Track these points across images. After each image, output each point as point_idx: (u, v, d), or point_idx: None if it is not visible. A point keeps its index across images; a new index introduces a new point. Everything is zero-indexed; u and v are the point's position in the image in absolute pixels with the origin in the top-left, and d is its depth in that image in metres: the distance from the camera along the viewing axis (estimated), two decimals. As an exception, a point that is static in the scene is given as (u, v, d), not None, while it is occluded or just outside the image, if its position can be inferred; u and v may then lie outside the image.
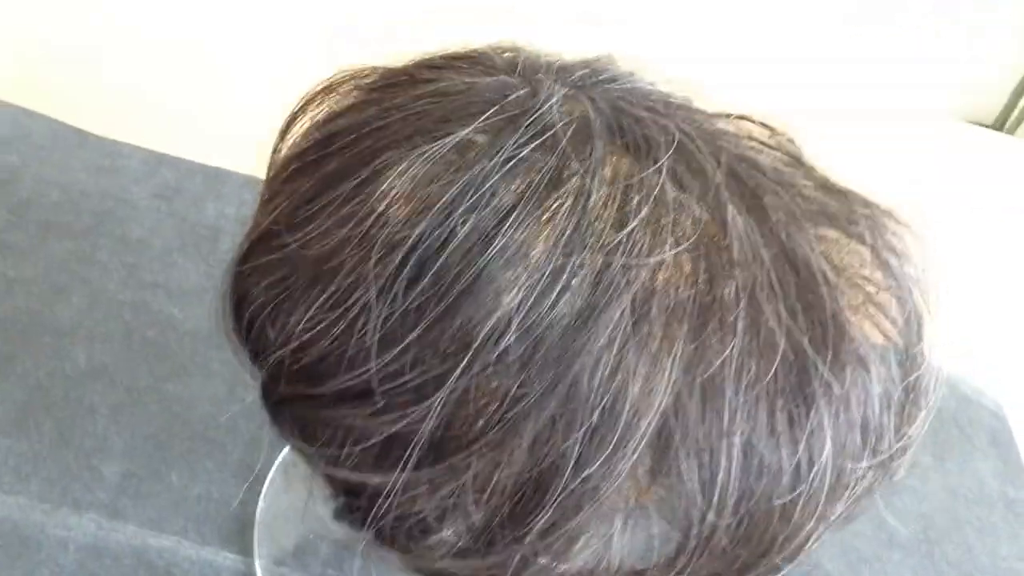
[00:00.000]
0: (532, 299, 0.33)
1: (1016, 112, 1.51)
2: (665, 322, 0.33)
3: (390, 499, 0.36)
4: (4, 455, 0.62)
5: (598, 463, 0.33)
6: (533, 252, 0.34)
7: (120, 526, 0.60)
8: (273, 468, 0.64)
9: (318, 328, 0.36)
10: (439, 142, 0.36)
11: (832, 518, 0.38)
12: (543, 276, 0.33)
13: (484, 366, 0.33)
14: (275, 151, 0.45)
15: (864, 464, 0.37)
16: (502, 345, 0.33)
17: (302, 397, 0.38)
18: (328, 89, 0.44)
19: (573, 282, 0.33)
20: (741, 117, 0.42)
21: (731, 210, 0.36)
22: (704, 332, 0.34)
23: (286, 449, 0.66)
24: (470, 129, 0.37)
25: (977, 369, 0.81)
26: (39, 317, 0.69)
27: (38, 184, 0.78)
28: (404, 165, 0.36)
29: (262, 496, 0.63)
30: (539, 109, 0.37)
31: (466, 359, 0.33)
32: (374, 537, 0.40)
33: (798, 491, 0.35)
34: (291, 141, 0.44)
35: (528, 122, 0.37)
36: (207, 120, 0.85)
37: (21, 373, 0.66)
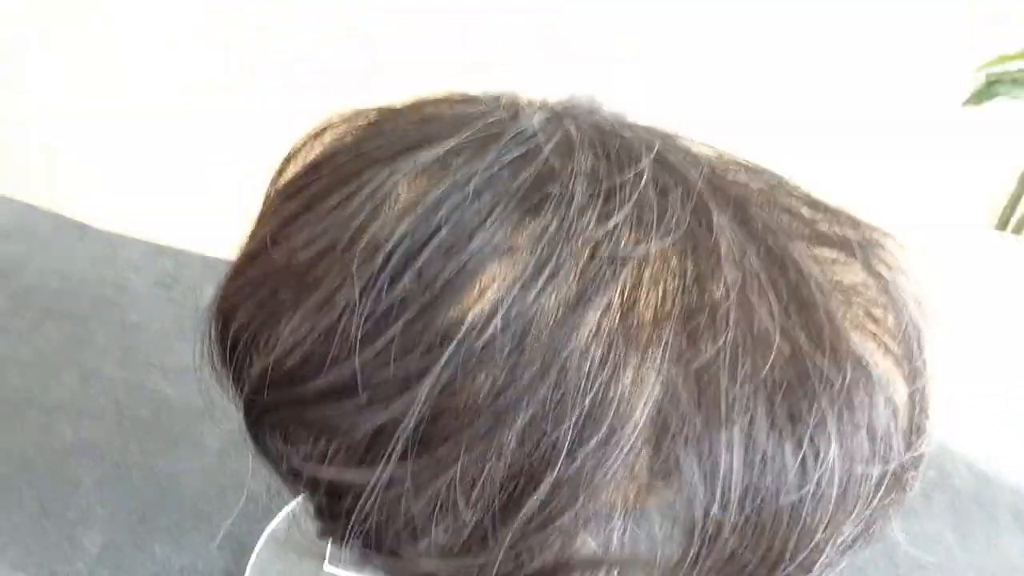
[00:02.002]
0: (517, 290, 0.33)
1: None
2: (654, 313, 0.33)
3: (375, 496, 0.35)
4: (-17, 526, 0.60)
5: (592, 451, 0.32)
6: (517, 246, 0.34)
7: (98, 599, 0.57)
8: (261, 540, 0.62)
9: (302, 333, 0.36)
10: (422, 153, 0.37)
11: (846, 533, 0.36)
12: (527, 268, 0.33)
13: (469, 356, 0.32)
14: (267, 197, 0.46)
15: (874, 470, 0.35)
16: (487, 335, 0.32)
17: (286, 401, 0.37)
18: (319, 133, 0.45)
19: (559, 273, 0.33)
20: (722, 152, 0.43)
21: (715, 213, 0.36)
22: (694, 323, 0.33)
23: (274, 521, 0.63)
24: (452, 142, 0.38)
25: (997, 442, 0.79)
26: (30, 395, 0.68)
27: (40, 273, 0.79)
28: (386, 175, 0.37)
29: (249, 568, 0.60)
30: (522, 127, 0.38)
31: (450, 349, 0.32)
32: (362, 545, 0.38)
33: (805, 490, 0.34)
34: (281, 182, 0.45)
35: (511, 136, 0.38)
36: (206, 211, 0.87)
37: (5, 447, 0.65)
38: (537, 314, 0.33)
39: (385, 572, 0.39)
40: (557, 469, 0.32)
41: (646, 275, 0.34)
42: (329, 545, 0.63)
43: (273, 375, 0.37)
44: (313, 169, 0.41)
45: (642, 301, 0.33)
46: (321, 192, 0.39)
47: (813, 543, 0.35)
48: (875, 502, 0.37)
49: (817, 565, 0.36)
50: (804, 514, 0.34)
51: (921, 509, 0.73)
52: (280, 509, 0.64)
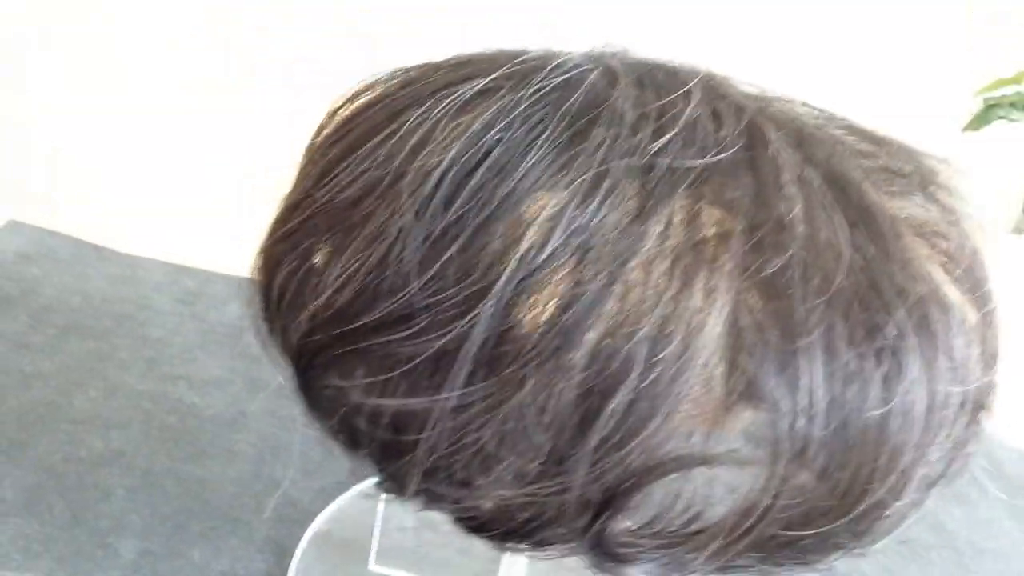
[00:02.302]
0: (575, 204, 0.32)
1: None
2: (717, 225, 0.32)
3: (442, 423, 0.33)
4: (13, 536, 0.57)
5: (666, 364, 0.30)
6: (571, 163, 0.33)
7: (135, 606, 0.55)
8: (303, 541, 0.59)
9: (354, 267, 0.34)
10: (463, 87, 0.37)
11: (932, 459, 0.35)
12: (584, 182, 0.32)
13: (531, 270, 0.31)
14: (305, 154, 0.45)
15: (955, 390, 0.34)
16: (548, 248, 0.31)
17: (341, 337, 0.36)
18: (356, 93, 0.45)
19: (616, 187, 0.32)
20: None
21: (771, 135, 0.36)
22: (759, 235, 0.32)
23: (316, 522, 0.61)
24: (493, 76, 0.37)
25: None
26: (55, 408, 0.66)
27: (59, 292, 0.77)
28: (428, 110, 0.36)
29: (292, 571, 0.58)
30: (563, 60, 0.38)
31: (511, 266, 0.31)
32: (429, 481, 0.36)
33: (891, 405, 0.32)
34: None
35: (552, 66, 0.37)
36: (208, 212, 0.86)
37: (34, 458, 0.62)
38: (598, 227, 0.31)
39: (455, 509, 0.37)
40: (631, 384, 0.30)
41: (706, 189, 0.33)
42: (375, 542, 0.60)
43: (326, 314, 0.36)
44: (352, 118, 0.40)
45: (704, 214, 0.32)
46: (362, 135, 0.38)
47: (901, 466, 0.33)
48: (957, 427, 0.36)
49: (905, 494, 0.34)
50: (891, 432, 0.33)
51: (977, 498, 0.71)
52: (321, 511, 0.62)
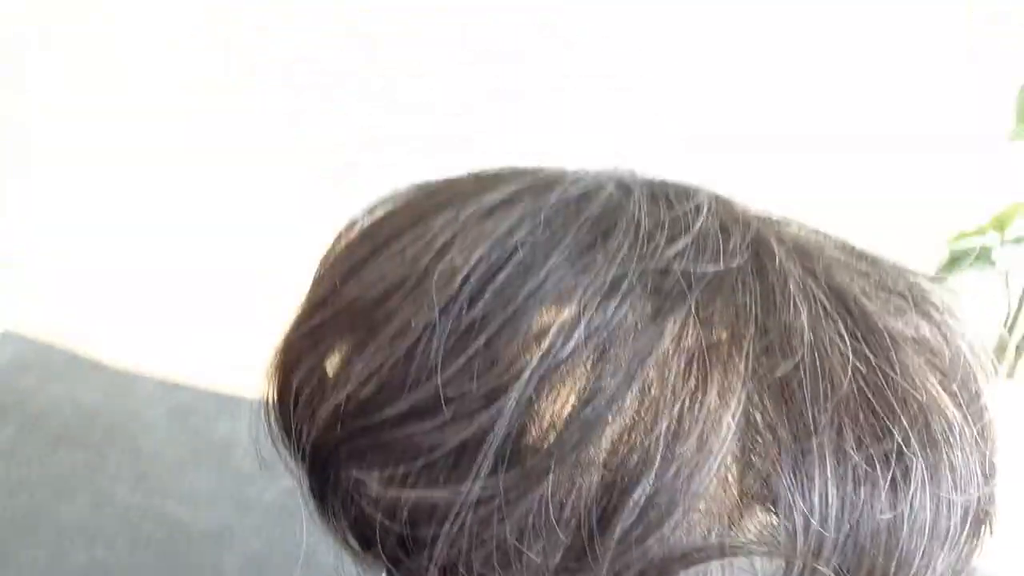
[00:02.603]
0: (596, 302, 0.34)
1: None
2: (729, 328, 0.35)
3: (464, 516, 0.34)
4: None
5: (685, 458, 0.32)
6: (593, 266, 0.35)
7: None
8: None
9: (378, 361, 0.36)
10: (486, 196, 0.39)
11: (939, 571, 0.37)
12: (605, 283, 0.34)
13: (554, 366, 0.33)
14: (323, 263, 0.47)
15: (959, 499, 0.36)
16: (571, 345, 0.33)
17: (363, 429, 0.37)
18: (372, 209, 0.47)
19: (635, 289, 0.35)
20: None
21: (776, 247, 0.39)
22: (769, 339, 0.35)
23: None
24: (514, 186, 0.40)
25: None
26: (41, 517, 0.66)
27: (51, 401, 0.78)
28: (454, 215, 0.39)
29: None
30: (578, 174, 0.41)
31: (535, 360, 0.33)
32: (449, 572, 0.36)
33: (899, 510, 0.34)
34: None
35: (570, 180, 0.40)
36: (219, 349, 0.87)
37: (15, 566, 0.61)
38: (617, 326, 0.34)
39: None
40: (651, 479, 0.32)
41: (718, 294, 0.36)
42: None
43: (348, 407, 0.37)
44: (378, 223, 0.42)
45: (716, 316, 0.35)
46: (389, 238, 0.40)
47: (913, 568, 0.35)
48: (963, 537, 0.37)
49: None
50: (901, 538, 0.34)
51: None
52: (307, 632, 0.61)
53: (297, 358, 0.41)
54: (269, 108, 0.91)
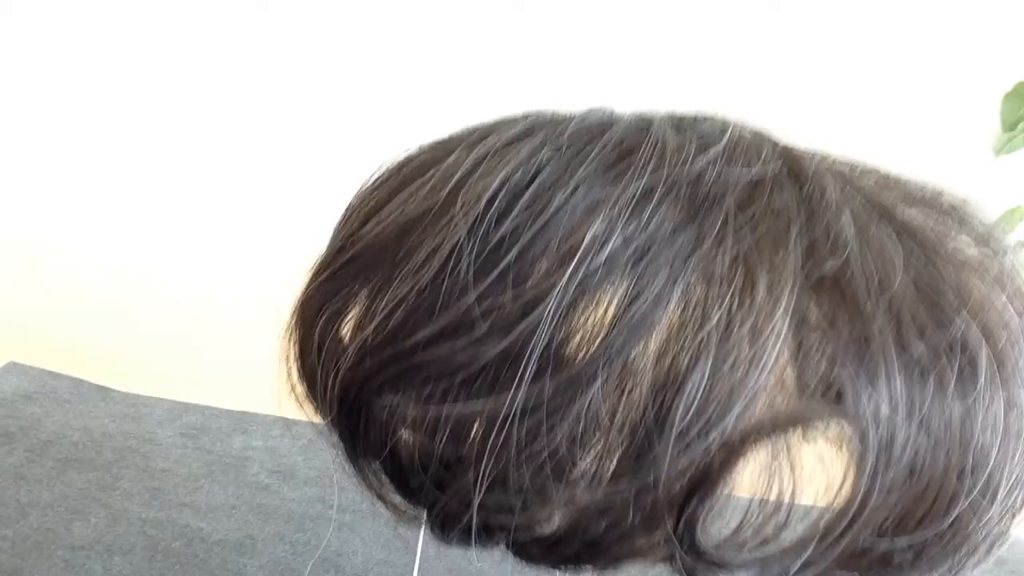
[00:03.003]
0: (631, 209, 0.32)
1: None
2: (770, 228, 0.33)
3: (509, 425, 0.32)
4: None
5: (737, 352, 0.31)
6: (623, 175, 0.34)
7: None
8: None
9: (404, 290, 0.34)
10: (505, 133, 0.38)
11: (1016, 474, 0.34)
12: (638, 191, 0.33)
13: (592, 271, 0.31)
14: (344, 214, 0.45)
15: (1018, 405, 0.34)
16: (607, 250, 0.32)
17: (394, 356, 0.35)
18: (395, 159, 0.46)
19: (670, 195, 0.33)
20: None
21: (806, 159, 0.37)
22: (815, 234, 0.33)
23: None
24: (531, 122, 0.39)
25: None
26: (53, 536, 0.63)
27: (60, 428, 0.75)
28: (472, 149, 0.37)
29: None
30: (595, 109, 0.40)
31: (571, 266, 0.31)
32: (494, 494, 0.34)
33: (970, 400, 0.32)
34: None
35: (587, 113, 0.39)
36: (230, 369, 0.85)
37: (30, 584, 0.58)
38: (655, 230, 0.32)
39: (522, 529, 0.35)
40: (706, 373, 0.30)
41: (754, 197, 0.34)
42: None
43: (375, 341, 0.35)
44: (393, 171, 0.41)
45: (756, 217, 0.33)
46: (408, 177, 0.38)
47: (989, 467, 0.32)
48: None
49: (997, 499, 0.33)
50: (975, 431, 0.32)
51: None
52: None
53: (318, 308, 0.39)
54: (269, 107, 0.91)
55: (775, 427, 0.31)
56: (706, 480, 0.31)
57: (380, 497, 0.41)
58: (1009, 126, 1.72)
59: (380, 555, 0.65)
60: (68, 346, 0.88)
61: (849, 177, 0.38)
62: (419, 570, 0.64)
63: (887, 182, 0.40)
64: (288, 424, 0.80)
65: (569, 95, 0.44)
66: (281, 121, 0.95)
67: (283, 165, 0.95)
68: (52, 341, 0.90)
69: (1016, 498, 0.35)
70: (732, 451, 0.30)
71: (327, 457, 0.41)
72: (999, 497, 0.33)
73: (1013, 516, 0.37)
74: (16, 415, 0.76)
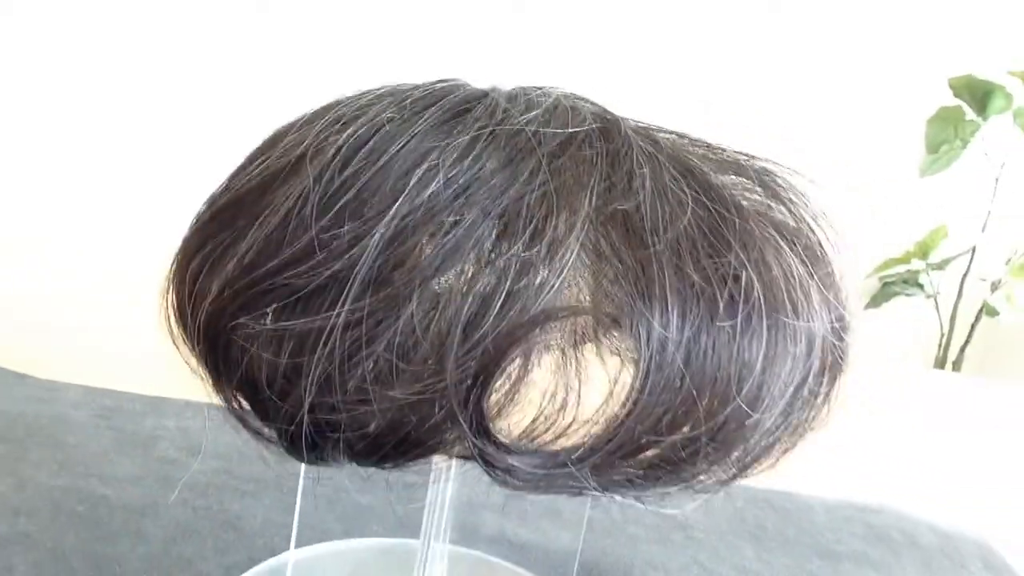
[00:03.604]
0: (456, 156, 0.38)
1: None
2: (575, 174, 0.39)
3: (336, 336, 0.37)
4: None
5: (536, 273, 0.36)
6: (454, 129, 0.40)
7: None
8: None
9: (260, 234, 0.40)
10: (362, 99, 0.44)
11: (787, 388, 0.39)
12: (463, 141, 0.39)
13: (415, 207, 0.37)
14: None
15: (799, 325, 0.40)
16: (431, 189, 0.37)
17: (248, 285, 0.40)
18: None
19: (491, 145, 0.39)
20: None
21: (623, 125, 0.43)
22: (613, 180, 0.39)
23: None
24: (386, 89, 0.45)
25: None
26: (-41, 499, 0.65)
27: (-27, 408, 0.77)
28: (330, 113, 0.43)
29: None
30: (442, 80, 0.46)
31: (398, 203, 0.37)
32: (326, 396, 0.38)
33: (737, 320, 0.37)
34: None
35: (434, 83, 0.45)
36: (144, 357, 0.87)
37: (-67, 539, 0.61)
38: (474, 174, 0.38)
39: (350, 427, 0.39)
40: (505, 290, 0.35)
41: (565, 148, 0.39)
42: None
43: (234, 274, 0.40)
44: (267, 138, 0.46)
45: (564, 165, 0.39)
46: (272, 139, 0.44)
47: (753, 377, 0.37)
48: (810, 369, 0.40)
49: (761, 407, 0.38)
50: (741, 346, 0.37)
51: (894, 566, 0.72)
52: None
53: (192, 254, 0.44)
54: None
55: (549, 320, 0.36)
56: (488, 370, 0.35)
57: (241, 420, 0.45)
58: (933, 148, 1.81)
59: (279, 519, 0.68)
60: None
61: (663, 142, 0.43)
62: (311, 528, 0.67)
63: (708, 151, 0.46)
64: (201, 407, 0.83)
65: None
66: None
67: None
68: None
69: (793, 414, 0.40)
70: (509, 342, 0.35)
71: (236, 436, 0.45)
72: (768, 407, 0.38)
73: (798, 431, 0.42)
74: (-69, 396, 0.79)
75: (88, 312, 0.97)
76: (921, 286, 1.74)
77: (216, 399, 0.45)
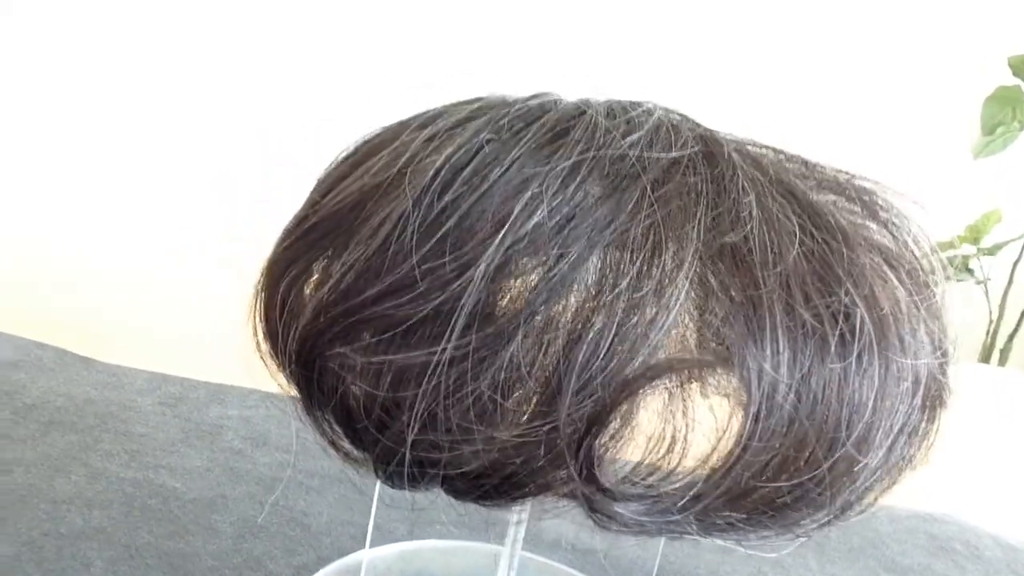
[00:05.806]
0: (559, 184, 0.37)
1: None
2: (681, 203, 0.38)
3: (440, 372, 0.36)
4: (-12, 598, 0.56)
5: (639, 310, 0.35)
6: (554, 154, 0.39)
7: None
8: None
9: (356, 254, 0.39)
10: (455, 116, 0.43)
11: (895, 426, 0.39)
12: (565, 168, 0.38)
13: (519, 238, 0.36)
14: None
15: (907, 362, 0.39)
16: (535, 219, 0.37)
17: (345, 312, 0.39)
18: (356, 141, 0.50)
19: (594, 172, 0.38)
20: None
21: (724, 145, 0.42)
22: (720, 210, 0.38)
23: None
24: (476, 106, 0.44)
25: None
26: (36, 491, 0.67)
27: (44, 393, 0.79)
28: (423, 131, 0.42)
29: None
30: (535, 95, 0.45)
31: (502, 233, 0.36)
32: (426, 433, 0.38)
33: (848, 361, 0.37)
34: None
35: (529, 98, 0.44)
36: (208, 342, 0.88)
37: (12, 533, 0.62)
38: (578, 203, 0.37)
39: (450, 466, 0.39)
40: (613, 327, 0.35)
41: (669, 175, 0.39)
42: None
43: (330, 299, 0.39)
44: (356, 149, 0.46)
45: (669, 193, 0.38)
46: (364, 155, 0.44)
47: (863, 420, 0.37)
48: (916, 404, 0.40)
49: (870, 450, 0.38)
50: (852, 387, 0.37)
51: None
52: (302, 578, 0.62)
53: (282, 271, 0.44)
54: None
55: (668, 372, 0.36)
56: (600, 418, 0.35)
57: (332, 443, 0.45)
58: (988, 130, 1.77)
59: (344, 516, 0.69)
60: (54, 320, 0.91)
61: (764, 162, 0.42)
62: (376, 527, 0.68)
63: (805, 169, 0.45)
64: (263, 396, 0.84)
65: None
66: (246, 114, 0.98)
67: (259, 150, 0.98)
68: (38, 315, 0.93)
69: (896, 453, 0.40)
70: (623, 393, 0.35)
71: (299, 427, 0.45)
72: (874, 449, 0.38)
73: (899, 470, 0.41)
74: (1, 381, 0.80)
75: (146, 294, 0.98)
76: (971, 271, 1.72)
77: (304, 419, 0.46)
